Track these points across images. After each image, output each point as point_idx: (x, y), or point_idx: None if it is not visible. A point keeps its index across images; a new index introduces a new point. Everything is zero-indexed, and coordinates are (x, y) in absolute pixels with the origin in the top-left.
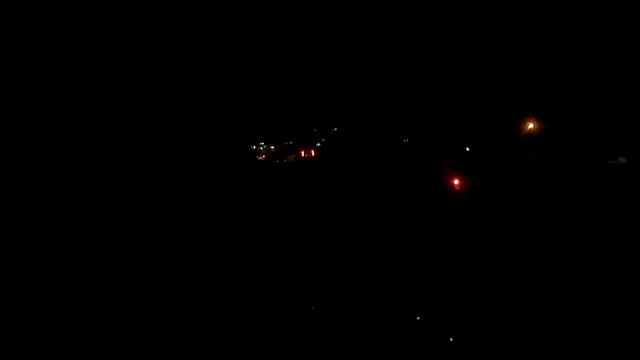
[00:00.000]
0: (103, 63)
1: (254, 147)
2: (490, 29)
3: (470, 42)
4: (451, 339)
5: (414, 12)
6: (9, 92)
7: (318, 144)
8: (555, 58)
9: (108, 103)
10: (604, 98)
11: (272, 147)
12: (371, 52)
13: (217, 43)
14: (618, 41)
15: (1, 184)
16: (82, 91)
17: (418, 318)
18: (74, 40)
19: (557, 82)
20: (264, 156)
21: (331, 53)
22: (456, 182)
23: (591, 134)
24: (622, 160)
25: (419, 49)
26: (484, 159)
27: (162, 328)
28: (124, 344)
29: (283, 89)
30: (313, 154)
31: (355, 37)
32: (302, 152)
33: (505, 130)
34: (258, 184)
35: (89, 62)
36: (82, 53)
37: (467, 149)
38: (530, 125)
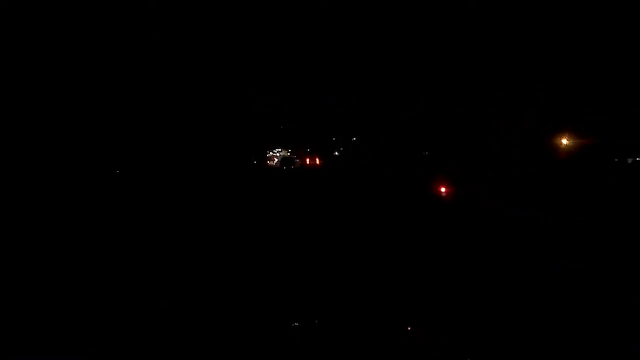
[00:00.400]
0: (103, 63)
1: (269, 152)
2: (490, 29)
3: (470, 42)
4: (451, 339)
5: (414, 12)
6: (9, 92)
7: (336, 153)
8: (555, 58)
9: (108, 103)
10: (604, 98)
11: (289, 153)
12: (371, 52)
13: (217, 43)
14: (618, 41)
15: (1, 184)
16: (83, 92)
17: (409, 328)
18: (74, 40)
19: (557, 82)
20: (275, 161)
21: (331, 53)
22: (443, 189)
23: (591, 134)
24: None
25: (418, 49)
26: (484, 159)
27: (162, 328)
28: (124, 344)
29: (283, 89)
30: (317, 162)
31: (355, 37)
32: (307, 160)
33: (505, 130)
34: (259, 185)
35: (89, 62)
36: (82, 54)
37: (464, 153)
38: (565, 141)
